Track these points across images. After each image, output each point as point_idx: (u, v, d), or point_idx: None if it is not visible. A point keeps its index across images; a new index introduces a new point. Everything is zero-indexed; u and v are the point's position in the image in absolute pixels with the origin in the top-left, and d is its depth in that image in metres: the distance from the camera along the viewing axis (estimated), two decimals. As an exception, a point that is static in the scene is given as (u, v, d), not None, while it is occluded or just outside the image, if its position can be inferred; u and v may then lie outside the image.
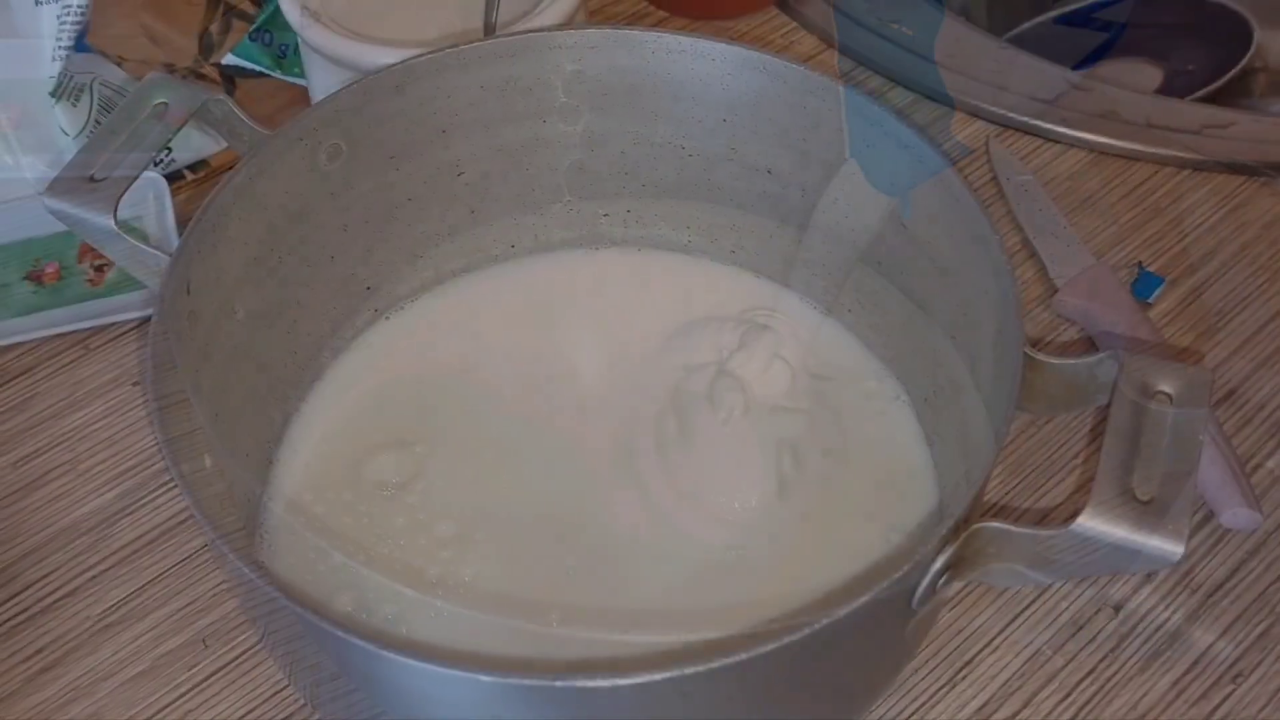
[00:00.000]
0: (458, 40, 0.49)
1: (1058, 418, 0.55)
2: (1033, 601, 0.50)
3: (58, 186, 0.43)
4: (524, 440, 0.50)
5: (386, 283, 0.54)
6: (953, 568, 0.38)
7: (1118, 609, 0.50)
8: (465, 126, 0.51)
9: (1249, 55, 0.82)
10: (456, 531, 0.46)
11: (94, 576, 0.51)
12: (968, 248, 0.45)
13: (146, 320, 0.58)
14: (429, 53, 0.48)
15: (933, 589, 0.38)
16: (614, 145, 0.53)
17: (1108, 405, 0.39)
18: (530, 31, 0.49)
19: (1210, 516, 0.51)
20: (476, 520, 0.47)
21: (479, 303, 0.55)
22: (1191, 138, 0.64)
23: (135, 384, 0.56)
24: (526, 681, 0.34)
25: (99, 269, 0.59)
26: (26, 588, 0.50)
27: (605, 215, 0.56)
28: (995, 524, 0.37)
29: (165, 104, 0.45)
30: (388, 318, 0.54)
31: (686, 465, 0.49)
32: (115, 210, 0.43)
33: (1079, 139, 0.65)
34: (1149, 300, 0.59)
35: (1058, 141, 0.65)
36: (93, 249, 0.59)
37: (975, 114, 0.67)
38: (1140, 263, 0.60)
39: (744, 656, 0.33)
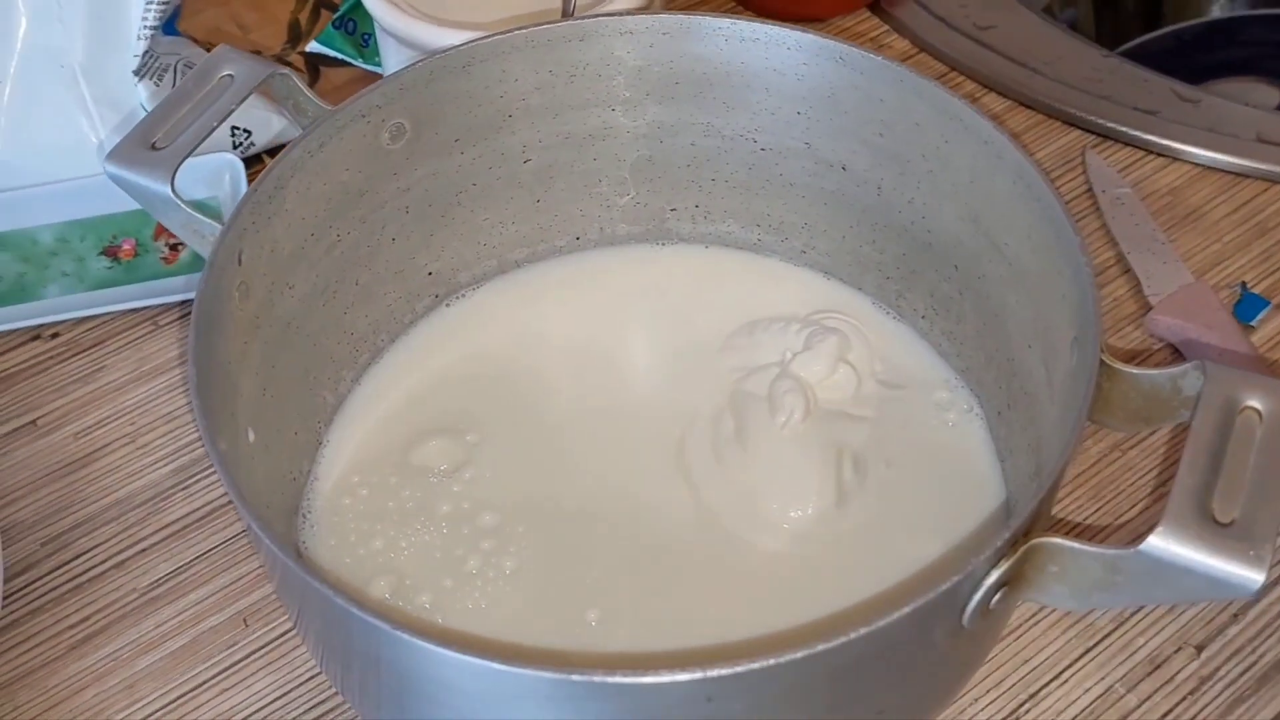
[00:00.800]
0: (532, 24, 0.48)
1: (1144, 440, 0.52)
2: (1108, 635, 0.47)
3: (118, 152, 0.43)
4: (576, 433, 0.49)
5: (448, 268, 0.53)
6: (1009, 584, 0.35)
7: (1200, 649, 0.46)
8: (531, 112, 0.50)
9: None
10: (500, 522, 0.45)
11: (143, 550, 0.51)
12: (1048, 251, 0.42)
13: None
14: (495, 34, 0.47)
15: (986, 605, 0.35)
16: (683, 136, 0.52)
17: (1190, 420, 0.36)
18: (601, 15, 0.48)
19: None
20: (521, 512, 0.46)
21: (540, 293, 0.54)
22: (1306, 154, 0.61)
23: None
24: (554, 675, 0.32)
25: (174, 248, 0.60)
26: (77, 556, 0.51)
27: (673, 209, 0.54)
28: (1056, 539, 0.35)
29: (231, 76, 0.45)
30: (448, 304, 0.53)
31: (742, 468, 0.47)
32: (173, 178, 0.43)
33: (1183, 152, 0.62)
34: (1252, 323, 0.55)
35: (1160, 154, 0.62)
36: None
37: (1072, 123, 0.64)
38: (1244, 283, 0.57)
39: (772, 662, 0.31)
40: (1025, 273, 0.44)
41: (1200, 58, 0.81)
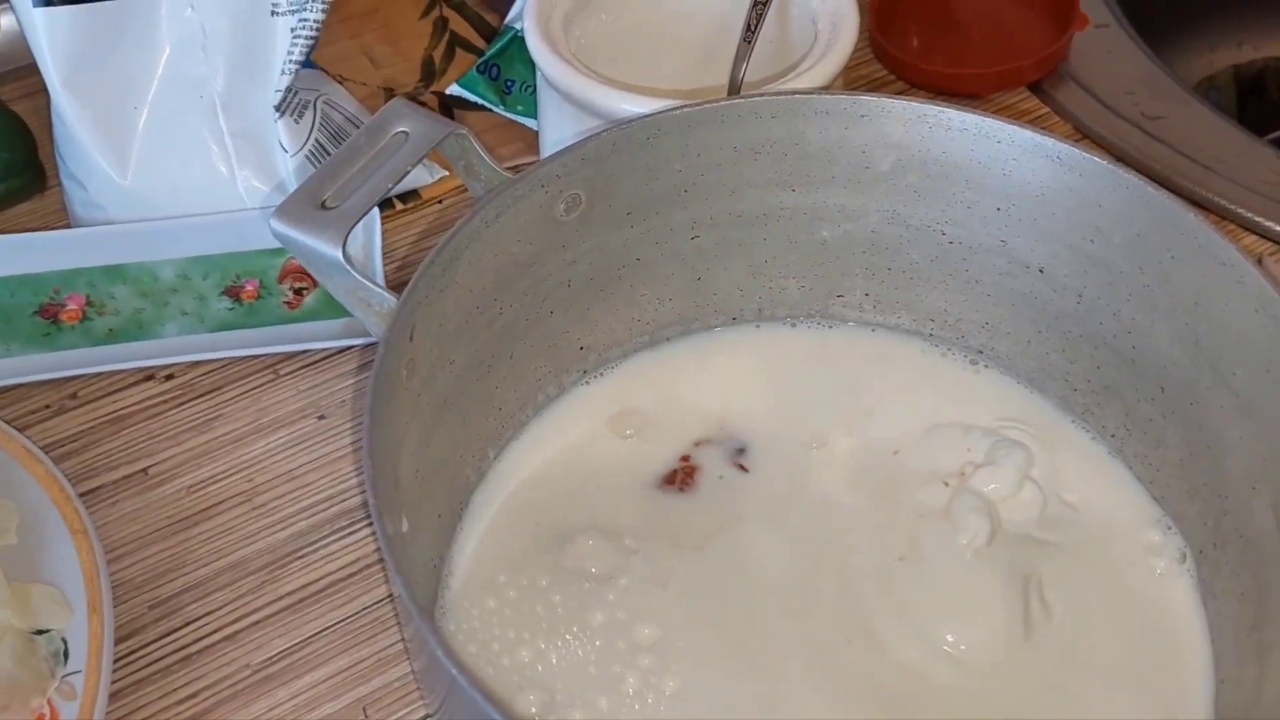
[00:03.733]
0: (695, 94, 0.45)
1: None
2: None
3: (287, 211, 0.40)
4: (734, 539, 0.45)
5: (600, 343, 0.50)
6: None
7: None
8: (708, 188, 0.47)
9: None
10: (660, 637, 0.42)
11: (258, 621, 0.48)
12: (1291, 389, 0.38)
13: (341, 350, 0.55)
14: (687, 105, 0.44)
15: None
16: (865, 222, 0.48)
17: None
18: (797, 93, 0.45)
19: None
20: (681, 627, 0.42)
21: (692, 373, 0.51)
22: None
23: (321, 417, 0.53)
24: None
25: (299, 292, 0.57)
26: (187, 624, 0.47)
27: (840, 296, 0.51)
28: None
29: (405, 134, 0.42)
30: (597, 377, 0.50)
31: (915, 588, 0.44)
32: (345, 242, 0.40)
33: None
34: None
35: None
36: (295, 271, 0.57)
37: (1248, 227, 0.60)
38: None
39: None
40: (1257, 409, 0.40)
41: None
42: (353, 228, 0.40)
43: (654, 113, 0.44)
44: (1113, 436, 0.47)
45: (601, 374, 0.50)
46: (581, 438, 0.48)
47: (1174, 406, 0.44)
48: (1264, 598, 0.39)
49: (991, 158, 0.45)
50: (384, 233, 0.57)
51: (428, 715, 0.44)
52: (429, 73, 0.66)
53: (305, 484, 0.52)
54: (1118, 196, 0.42)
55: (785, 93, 0.45)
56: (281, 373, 0.55)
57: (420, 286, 0.39)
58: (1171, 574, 0.43)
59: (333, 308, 0.56)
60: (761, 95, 0.45)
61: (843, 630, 0.43)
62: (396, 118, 0.43)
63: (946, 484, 0.46)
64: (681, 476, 0.47)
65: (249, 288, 0.57)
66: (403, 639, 0.46)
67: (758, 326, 0.52)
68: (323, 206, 0.40)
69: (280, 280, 0.57)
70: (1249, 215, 0.60)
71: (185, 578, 0.49)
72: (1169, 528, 0.45)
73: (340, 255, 0.39)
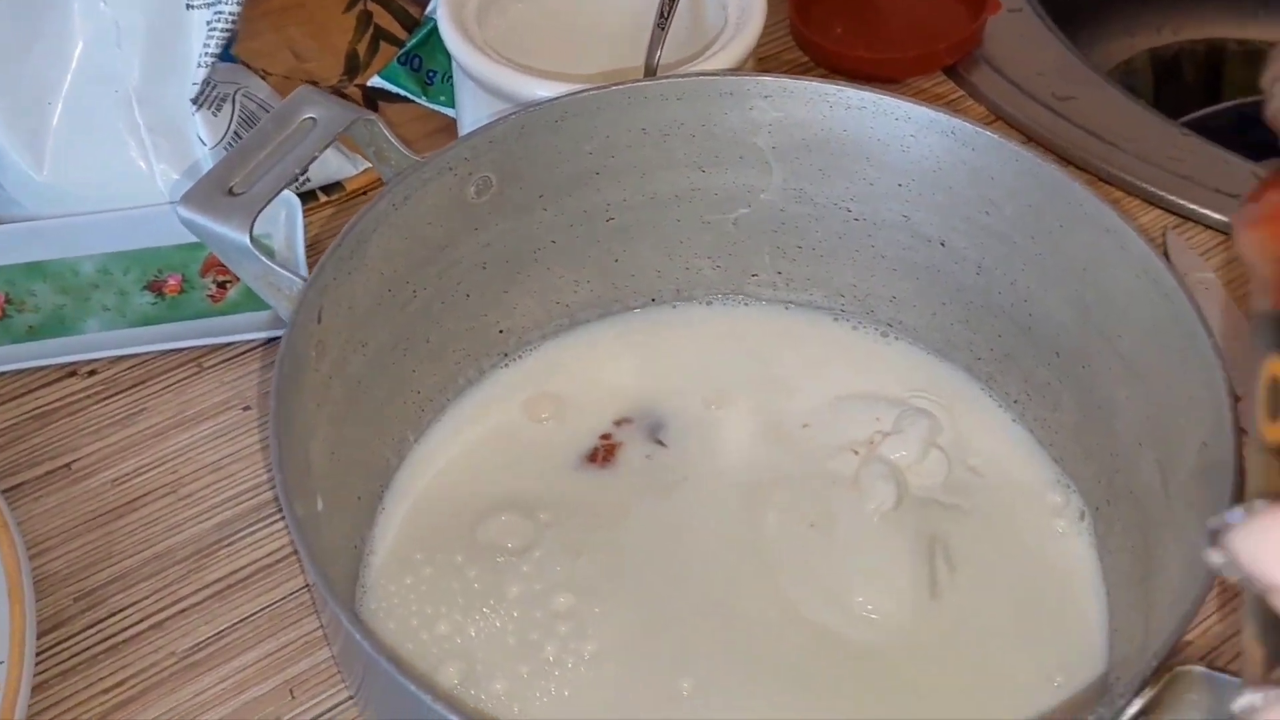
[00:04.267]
0: (612, 79, 0.46)
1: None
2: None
3: (193, 197, 0.41)
4: (650, 509, 0.46)
5: (519, 326, 0.50)
6: (1146, 713, 0.33)
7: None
8: (619, 170, 0.48)
9: None
10: (575, 604, 0.43)
11: (184, 610, 0.48)
12: (1173, 350, 0.40)
13: (266, 343, 0.55)
14: (593, 89, 0.45)
15: (1123, 737, 0.33)
16: (774, 202, 0.50)
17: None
18: (701, 74, 0.46)
19: None
20: (597, 593, 0.43)
21: (611, 354, 0.51)
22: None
23: (246, 409, 0.54)
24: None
25: (222, 285, 0.57)
26: (113, 614, 0.48)
27: (754, 275, 0.52)
28: (1201, 668, 0.33)
29: (313, 120, 0.43)
30: (517, 360, 0.51)
31: (827, 554, 0.45)
32: (252, 227, 0.40)
33: None
34: None
35: None
36: (217, 264, 0.57)
37: (1153, 201, 0.62)
38: None
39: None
40: (1142, 370, 0.42)
41: (1261, 134, 0.80)
42: (259, 212, 0.40)
43: (559, 96, 0.45)
44: (1015, 403, 0.49)
45: (521, 356, 0.51)
46: (502, 420, 0.49)
47: (1068, 371, 0.46)
48: (1150, 552, 0.41)
49: (891, 135, 0.46)
50: (309, 225, 0.58)
51: (351, 696, 0.45)
52: (352, 66, 0.66)
53: (229, 474, 0.52)
54: (1009, 169, 0.44)
55: (690, 75, 0.46)
56: (206, 366, 0.55)
57: (327, 269, 0.40)
58: (1071, 533, 0.45)
59: (256, 300, 0.56)
60: (667, 78, 0.46)
61: (756, 594, 0.44)
62: (304, 104, 0.43)
63: (856, 453, 0.47)
64: (603, 454, 0.48)
65: (171, 282, 0.57)
66: (320, 624, 0.47)
67: (674, 307, 0.53)
68: (230, 193, 0.41)
69: (203, 274, 0.57)
70: (1154, 190, 0.62)
71: (110, 569, 0.49)
72: (1068, 487, 0.46)
73: (248, 240, 0.40)
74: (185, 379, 0.55)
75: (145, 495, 0.51)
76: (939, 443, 0.47)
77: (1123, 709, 0.32)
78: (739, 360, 0.51)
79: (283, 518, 0.50)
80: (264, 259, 0.40)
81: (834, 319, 0.52)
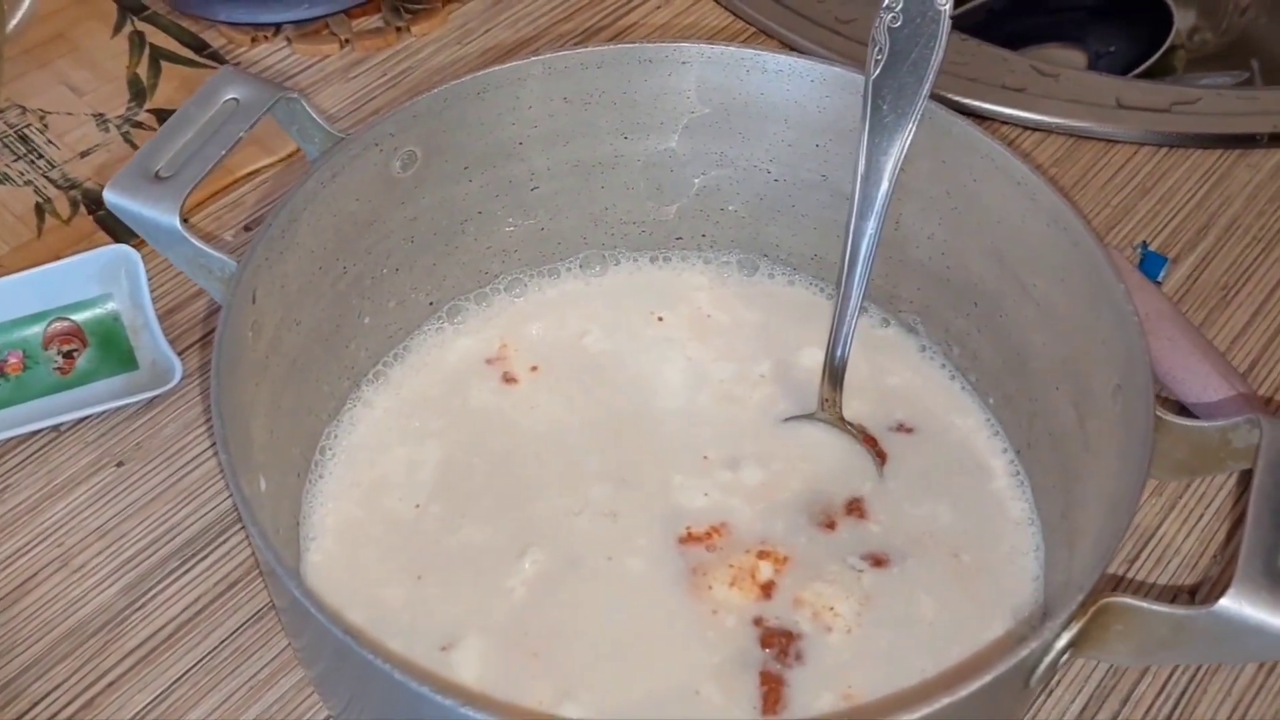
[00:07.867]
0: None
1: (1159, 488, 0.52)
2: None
3: (120, 182, 0.40)
4: (574, 462, 0.47)
5: (449, 297, 0.51)
6: (1075, 645, 0.35)
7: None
8: (542, 139, 0.48)
9: (1173, 32, 0.80)
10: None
11: (111, 683, 0.45)
12: (1084, 296, 0.42)
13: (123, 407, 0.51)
14: (512, 62, 0.46)
15: (1054, 667, 0.35)
16: (695, 166, 0.50)
17: (1247, 475, 0.36)
18: (622, 45, 0.47)
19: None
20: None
21: (542, 320, 0.52)
22: (1164, 116, 0.63)
23: (119, 464, 0.50)
24: None
25: (68, 355, 0.53)
26: (34, 704, 0.44)
27: (678, 238, 0.53)
28: (1126, 599, 0.35)
29: (236, 100, 0.42)
30: (451, 326, 0.51)
31: (759, 504, 0.46)
32: (181, 209, 0.40)
33: (1056, 125, 0.62)
34: (1158, 280, 0.56)
35: (1035, 129, 0.62)
36: (61, 334, 0.53)
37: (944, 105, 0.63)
38: (1144, 243, 0.58)
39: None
40: (1055, 315, 0.44)
41: (1010, 27, 0.82)
42: (188, 195, 0.40)
43: (482, 71, 0.45)
44: (943, 353, 0.50)
45: (450, 328, 0.51)
46: (426, 395, 0.49)
47: (986, 319, 0.47)
48: (1070, 487, 0.43)
49: (806, 96, 0.47)
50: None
51: (322, 692, 0.44)
52: (138, 91, 0.62)
53: (120, 535, 0.49)
54: (920, 126, 0.45)
55: (611, 46, 0.47)
56: (63, 429, 0.51)
57: (260, 249, 0.40)
58: (1001, 473, 0.47)
59: (110, 365, 0.52)
60: (587, 49, 0.47)
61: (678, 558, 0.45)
62: (225, 85, 0.43)
63: (782, 404, 0.49)
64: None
65: (12, 360, 0.52)
66: (274, 605, 0.46)
67: (599, 270, 0.53)
68: (156, 177, 0.41)
69: (45, 346, 0.53)
70: (946, 95, 0.61)
71: (19, 659, 0.45)
72: (996, 431, 0.48)
73: (177, 223, 0.40)
74: (43, 447, 0.51)
75: (35, 575, 0.48)
76: (865, 392, 0.49)
77: (1050, 642, 0.34)
78: (662, 325, 0.52)
79: (193, 565, 0.47)
80: (195, 241, 0.40)
81: (762, 280, 0.53)
